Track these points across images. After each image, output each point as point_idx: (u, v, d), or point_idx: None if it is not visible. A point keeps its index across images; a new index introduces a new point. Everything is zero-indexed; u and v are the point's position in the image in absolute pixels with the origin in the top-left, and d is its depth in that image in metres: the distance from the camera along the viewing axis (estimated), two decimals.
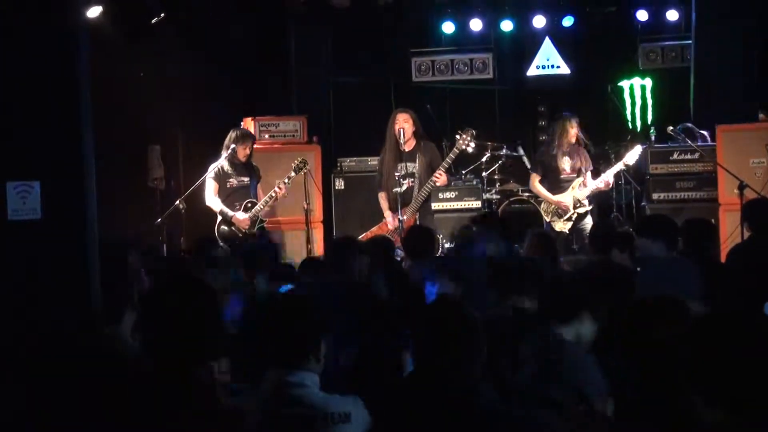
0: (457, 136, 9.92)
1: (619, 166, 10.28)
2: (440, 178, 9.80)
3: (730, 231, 9.98)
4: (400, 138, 9.87)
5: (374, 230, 9.99)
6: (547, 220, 10.27)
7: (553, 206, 10.20)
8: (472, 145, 10.02)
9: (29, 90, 4.74)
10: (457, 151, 9.87)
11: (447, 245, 9.86)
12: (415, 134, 9.95)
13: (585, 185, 10.14)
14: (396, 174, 9.71)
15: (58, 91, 4.77)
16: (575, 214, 10.12)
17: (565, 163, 10.14)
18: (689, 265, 6.02)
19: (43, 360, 4.31)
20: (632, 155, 10.25)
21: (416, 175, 9.89)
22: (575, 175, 10.17)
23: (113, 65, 9.76)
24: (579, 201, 10.12)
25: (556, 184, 10.21)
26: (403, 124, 9.90)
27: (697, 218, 7.61)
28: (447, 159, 9.92)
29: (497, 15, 12.97)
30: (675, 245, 6.54)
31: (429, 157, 9.94)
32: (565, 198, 10.13)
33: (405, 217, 9.75)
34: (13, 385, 4.05)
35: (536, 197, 10.94)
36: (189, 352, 3.34)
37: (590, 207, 10.22)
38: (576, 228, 10.14)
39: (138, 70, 11.03)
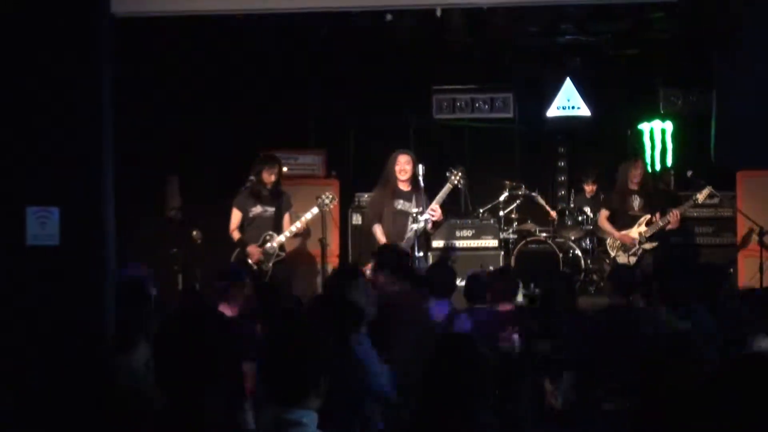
0: (448, 173, 9.85)
1: (688, 205, 10.36)
2: (437, 212, 9.71)
3: (749, 277, 9.92)
4: (401, 177, 9.82)
5: (370, 265, 9.81)
6: (612, 254, 10.43)
7: (618, 241, 10.28)
8: (463, 182, 9.95)
9: (51, 117, 4.76)
10: (450, 187, 9.80)
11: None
12: (413, 176, 9.87)
13: (652, 223, 10.20)
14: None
15: (80, 118, 4.78)
16: (640, 250, 10.20)
17: (634, 202, 10.32)
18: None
19: (53, 386, 4.29)
20: (704, 194, 10.32)
21: (411, 215, 9.84)
22: (643, 213, 10.26)
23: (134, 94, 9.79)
24: (645, 237, 10.15)
25: (624, 221, 10.35)
26: (405, 166, 9.81)
27: (710, 264, 7.45)
28: (440, 194, 9.82)
29: (519, 54, 12.96)
30: None
31: (422, 198, 9.84)
32: (630, 233, 10.25)
33: None
34: (19, 407, 4.04)
35: (553, 238, 10.94)
36: (201, 384, 3.30)
37: (656, 244, 10.22)
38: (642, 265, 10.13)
39: (159, 99, 11.07)
